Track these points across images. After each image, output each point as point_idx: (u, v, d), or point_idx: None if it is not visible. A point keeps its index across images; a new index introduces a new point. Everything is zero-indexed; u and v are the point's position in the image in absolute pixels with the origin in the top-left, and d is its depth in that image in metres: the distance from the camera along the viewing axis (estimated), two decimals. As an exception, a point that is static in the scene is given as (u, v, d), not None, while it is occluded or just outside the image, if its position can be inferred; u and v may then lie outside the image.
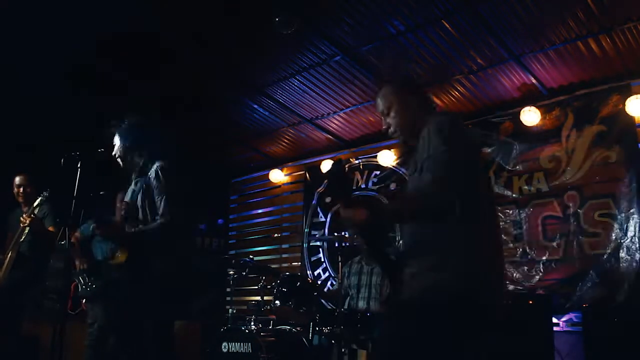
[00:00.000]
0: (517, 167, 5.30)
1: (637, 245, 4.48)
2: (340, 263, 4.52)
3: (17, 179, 4.72)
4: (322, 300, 4.85)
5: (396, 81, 2.27)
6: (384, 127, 2.23)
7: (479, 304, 1.78)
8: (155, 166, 3.21)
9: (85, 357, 4.04)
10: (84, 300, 4.37)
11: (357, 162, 6.69)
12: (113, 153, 3.39)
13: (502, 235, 5.12)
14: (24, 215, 4.36)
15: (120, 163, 3.40)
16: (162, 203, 3.10)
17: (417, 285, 1.85)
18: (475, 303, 1.77)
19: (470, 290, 1.77)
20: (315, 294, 4.43)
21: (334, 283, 6.30)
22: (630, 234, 4.54)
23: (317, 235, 6.86)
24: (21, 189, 4.68)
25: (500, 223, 5.27)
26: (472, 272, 1.79)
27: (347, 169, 2.10)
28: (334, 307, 4.82)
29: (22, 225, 4.35)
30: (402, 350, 1.81)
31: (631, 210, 4.57)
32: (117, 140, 3.38)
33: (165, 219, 3.07)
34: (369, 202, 2.09)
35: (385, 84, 2.26)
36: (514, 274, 5.07)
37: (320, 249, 6.80)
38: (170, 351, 3.13)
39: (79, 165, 3.42)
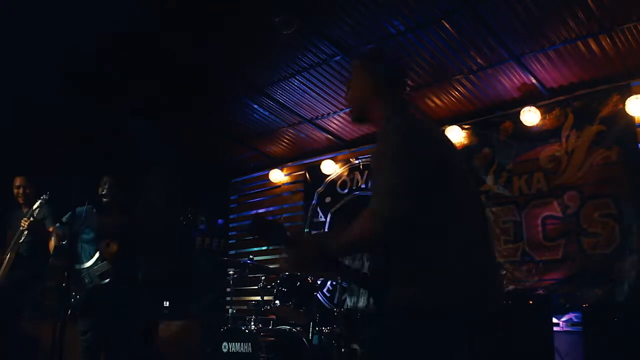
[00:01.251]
0: (517, 167, 5.30)
1: (637, 246, 4.48)
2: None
3: (17, 180, 4.73)
4: (320, 294, 4.81)
5: (362, 55, 2.22)
6: None
7: (458, 314, 1.70)
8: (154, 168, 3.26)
9: None
10: (69, 312, 4.33)
11: (357, 162, 6.70)
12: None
13: (492, 233, 5.12)
14: (24, 219, 4.36)
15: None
16: (160, 205, 3.14)
17: (390, 302, 1.79)
18: (454, 314, 1.69)
19: (445, 304, 1.69)
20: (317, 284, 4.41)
21: (334, 282, 6.30)
22: (630, 234, 4.54)
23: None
24: (21, 190, 4.70)
25: (500, 223, 5.28)
26: (444, 284, 1.70)
27: (263, 218, 2.06)
28: (333, 306, 4.82)
29: (21, 228, 4.36)
30: None
31: (631, 210, 4.57)
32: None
33: (161, 219, 3.10)
34: (306, 240, 2.04)
35: (354, 58, 2.21)
36: (514, 274, 5.07)
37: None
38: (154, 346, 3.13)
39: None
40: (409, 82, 5.23)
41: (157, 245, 3.12)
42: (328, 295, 6.45)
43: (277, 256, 7.33)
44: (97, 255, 4.00)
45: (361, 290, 4.69)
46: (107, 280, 3.84)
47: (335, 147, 6.91)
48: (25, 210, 4.59)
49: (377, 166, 1.84)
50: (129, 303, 3.18)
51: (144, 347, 3.07)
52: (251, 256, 5.43)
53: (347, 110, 5.98)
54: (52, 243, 4.44)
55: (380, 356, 1.81)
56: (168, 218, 3.29)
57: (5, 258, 4.44)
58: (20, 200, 4.70)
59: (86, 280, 3.95)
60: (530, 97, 5.29)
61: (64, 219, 4.33)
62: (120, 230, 3.23)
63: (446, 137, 2.16)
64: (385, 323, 1.83)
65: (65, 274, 3.26)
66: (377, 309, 1.96)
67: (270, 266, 6.76)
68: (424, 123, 2.04)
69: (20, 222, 4.42)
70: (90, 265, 4.03)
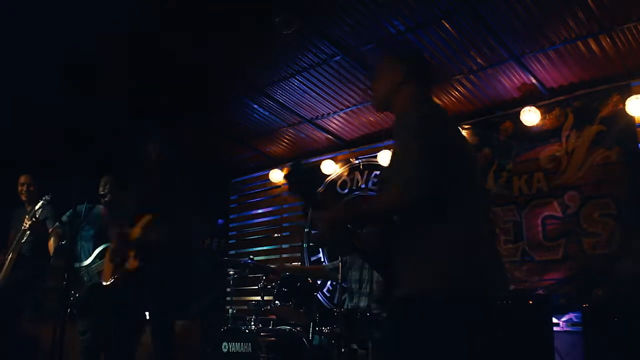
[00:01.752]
0: (517, 167, 5.30)
1: (637, 246, 4.48)
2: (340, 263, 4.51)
3: (22, 178, 4.75)
4: (320, 294, 4.81)
5: (391, 49, 2.29)
6: None
7: (468, 301, 1.73)
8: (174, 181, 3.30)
9: None
10: (68, 311, 4.33)
11: (357, 162, 6.70)
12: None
13: (496, 234, 5.13)
14: (26, 218, 4.37)
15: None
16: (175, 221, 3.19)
17: (403, 285, 1.82)
18: (464, 300, 1.72)
19: (456, 289, 1.73)
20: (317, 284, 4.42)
21: (334, 282, 6.30)
22: (630, 234, 4.54)
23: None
24: (25, 187, 4.72)
25: (500, 223, 5.28)
26: (455, 270, 1.74)
27: (307, 168, 2.07)
28: (333, 306, 4.82)
29: (23, 228, 4.37)
30: (397, 352, 1.79)
31: (631, 210, 4.57)
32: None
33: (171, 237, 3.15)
34: (336, 201, 2.07)
35: (383, 52, 2.34)
36: (514, 274, 5.07)
37: (320, 249, 6.80)
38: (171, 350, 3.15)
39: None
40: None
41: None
42: (328, 295, 6.45)
43: (277, 256, 7.34)
44: (95, 253, 3.99)
45: (362, 289, 4.69)
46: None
47: (335, 147, 6.91)
48: (28, 209, 4.60)
49: (400, 146, 1.90)
50: (130, 303, 3.19)
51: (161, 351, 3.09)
52: (251, 256, 5.45)
53: (348, 110, 5.99)
54: (52, 243, 4.44)
55: (392, 343, 1.84)
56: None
57: (7, 258, 4.44)
58: (24, 198, 4.72)
59: (85, 279, 3.95)
60: (530, 97, 5.29)
61: (63, 218, 4.34)
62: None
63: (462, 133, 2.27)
64: (397, 308, 1.85)
65: (65, 273, 3.26)
66: (386, 292, 1.97)
67: (272, 266, 6.79)
68: (444, 112, 2.14)
69: (22, 222, 4.42)
70: (89, 264, 4.02)
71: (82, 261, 4.06)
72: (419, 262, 1.78)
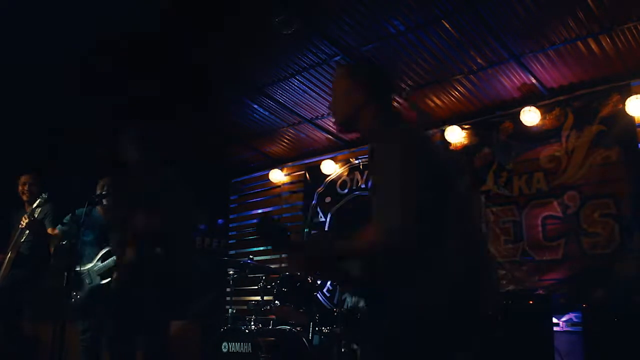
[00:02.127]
0: (517, 167, 5.30)
1: (638, 246, 4.48)
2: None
3: (23, 178, 4.74)
4: (320, 294, 4.81)
5: (348, 64, 2.25)
6: None
7: (454, 315, 1.69)
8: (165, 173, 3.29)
9: None
10: (69, 312, 4.33)
11: (357, 162, 6.70)
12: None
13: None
14: (24, 217, 4.36)
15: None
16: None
17: (387, 305, 1.80)
18: (450, 315, 1.69)
19: (440, 304, 1.69)
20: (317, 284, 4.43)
21: (334, 283, 6.30)
22: (630, 234, 4.54)
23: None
24: (26, 187, 4.69)
25: (500, 223, 5.28)
26: (439, 286, 1.70)
27: (272, 219, 2.09)
28: (333, 306, 4.82)
29: (20, 227, 4.36)
30: None
31: (631, 210, 4.57)
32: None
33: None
34: (310, 243, 2.07)
35: (339, 67, 2.26)
36: (514, 274, 5.07)
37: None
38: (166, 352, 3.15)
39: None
40: (409, 82, 5.24)
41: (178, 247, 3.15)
42: (328, 295, 6.45)
43: (277, 256, 7.34)
44: (98, 256, 4.00)
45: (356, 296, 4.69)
46: (107, 280, 3.84)
47: (335, 147, 6.91)
48: (28, 209, 4.60)
49: (381, 174, 1.85)
50: (130, 301, 3.19)
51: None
52: (251, 256, 5.44)
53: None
54: (52, 243, 4.45)
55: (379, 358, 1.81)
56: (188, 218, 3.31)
57: (6, 257, 4.44)
58: (25, 198, 4.71)
59: (87, 281, 3.96)
60: (530, 97, 5.29)
61: (65, 220, 4.34)
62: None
63: (437, 145, 2.19)
64: (382, 325, 1.83)
65: (66, 274, 3.26)
66: (371, 312, 1.96)
67: (271, 266, 6.79)
68: (419, 132, 2.03)
69: (21, 222, 4.42)
70: (92, 266, 4.03)
71: (84, 264, 4.06)
72: (408, 296, 1.74)
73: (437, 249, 1.74)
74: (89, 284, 3.95)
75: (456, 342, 1.72)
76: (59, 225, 4.44)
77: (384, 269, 1.83)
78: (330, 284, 6.46)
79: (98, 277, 3.87)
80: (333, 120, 2.18)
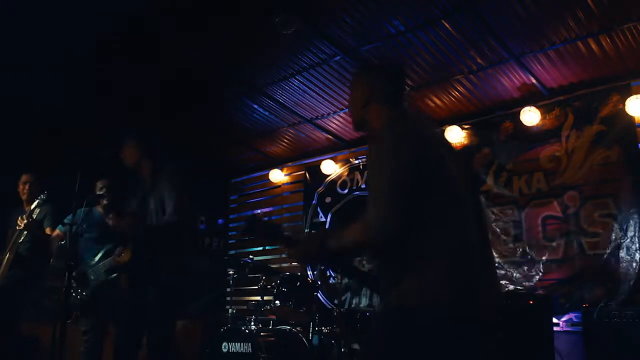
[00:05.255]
0: (517, 167, 5.30)
1: (637, 245, 4.48)
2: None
3: (24, 177, 4.73)
4: (320, 294, 4.85)
5: (359, 66, 2.26)
6: None
7: (455, 316, 1.69)
8: (165, 170, 3.31)
9: None
10: (75, 312, 4.34)
11: (357, 162, 6.70)
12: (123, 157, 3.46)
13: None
14: (21, 217, 4.36)
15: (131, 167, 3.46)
16: (172, 205, 3.18)
17: (383, 302, 1.82)
18: (446, 314, 1.68)
19: (435, 303, 1.69)
20: (317, 285, 4.45)
21: (334, 282, 6.30)
22: (630, 234, 4.54)
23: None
24: (26, 187, 4.69)
25: (500, 223, 5.28)
26: (434, 284, 1.70)
27: (261, 218, 2.15)
28: (333, 306, 4.82)
29: (18, 227, 4.36)
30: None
31: (631, 210, 4.57)
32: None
33: (174, 218, 3.14)
34: (307, 238, 2.11)
35: (354, 70, 2.32)
36: (514, 274, 5.07)
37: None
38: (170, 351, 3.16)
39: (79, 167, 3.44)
40: (409, 82, 5.24)
41: (167, 246, 3.16)
42: (328, 295, 6.45)
43: (277, 256, 7.34)
44: (100, 254, 4.00)
45: (362, 289, 4.69)
46: (114, 275, 3.84)
47: (335, 147, 6.91)
48: (26, 209, 4.59)
49: (371, 172, 1.88)
50: (130, 301, 3.21)
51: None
52: (251, 256, 5.44)
53: (347, 110, 5.97)
54: (52, 243, 4.45)
55: (375, 356, 1.80)
56: (184, 218, 3.32)
57: (4, 258, 4.44)
58: (24, 197, 4.70)
59: (92, 277, 3.97)
60: (530, 97, 5.29)
61: (66, 220, 4.33)
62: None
63: (443, 140, 2.17)
64: (379, 322, 1.84)
65: (67, 273, 3.26)
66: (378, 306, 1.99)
67: (272, 265, 6.79)
68: (419, 127, 2.02)
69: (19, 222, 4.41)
70: (95, 263, 4.04)
71: (87, 262, 4.07)
72: (405, 286, 1.74)
73: (431, 240, 1.74)
74: (94, 280, 3.96)
75: (451, 341, 1.70)
76: (60, 226, 4.43)
77: (376, 261, 1.87)
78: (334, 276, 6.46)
79: (103, 274, 3.87)
80: (351, 118, 2.25)
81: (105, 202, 4.22)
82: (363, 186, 6.57)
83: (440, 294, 1.69)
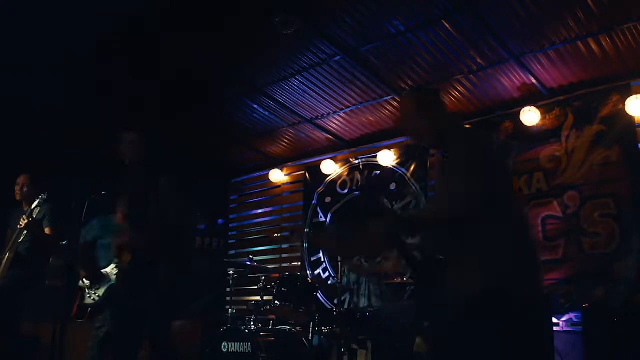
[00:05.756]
0: (517, 167, 5.30)
1: (637, 245, 4.48)
2: (340, 262, 4.52)
3: (19, 178, 4.74)
4: (320, 294, 4.86)
5: (415, 94, 2.72)
6: None
7: (518, 299, 1.94)
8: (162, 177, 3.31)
9: (90, 358, 4.04)
10: (89, 310, 4.36)
11: (357, 162, 6.70)
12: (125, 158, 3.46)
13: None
14: (22, 218, 4.36)
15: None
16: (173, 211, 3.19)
17: (455, 285, 1.98)
18: (513, 299, 1.92)
19: (505, 286, 1.90)
20: (317, 286, 4.46)
21: (334, 282, 6.30)
22: (630, 233, 4.54)
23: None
24: (18, 188, 4.70)
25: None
26: (503, 270, 1.92)
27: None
28: (333, 306, 4.82)
29: (19, 227, 4.36)
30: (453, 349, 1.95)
31: (631, 210, 4.57)
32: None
33: (174, 222, 3.15)
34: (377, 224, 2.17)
35: (407, 95, 2.63)
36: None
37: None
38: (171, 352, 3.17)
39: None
40: (409, 82, 5.25)
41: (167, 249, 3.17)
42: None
43: (277, 256, 7.34)
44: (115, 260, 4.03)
45: (362, 289, 4.69)
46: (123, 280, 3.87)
47: (335, 147, 6.91)
48: (25, 209, 4.59)
49: (451, 170, 2.16)
50: (130, 300, 3.21)
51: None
52: (251, 256, 5.45)
53: (348, 110, 5.98)
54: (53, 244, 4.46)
55: (454, 344, 1.99)
56: (184, 222, 3.33)
57: (4, 257, 4.44)
58: (17, 198, 4.71)
59: (107, 279, 4.03)
60: (530, 97, 5.29)
61: (83, 232, 4.35)
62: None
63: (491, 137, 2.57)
64: (466, 306, 1.98)
65: (65, 273, 3.28)
66: (428, 297, 2.22)
67: (271, 266, 6.80)
68: (478, 131, 2.50)
69: (19, 221, 4.42)
70: (110, 269, 4.08)
71: (103, 267, 4.12)
72: (482, 264, 1.95)
73: (499, 225, 1.98)
74: (108, 282, 4.02)
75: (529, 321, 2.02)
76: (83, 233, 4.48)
77: (449, 238, 2.08)
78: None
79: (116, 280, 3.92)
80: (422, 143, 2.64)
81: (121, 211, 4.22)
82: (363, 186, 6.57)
83: (527, 276, 1.98)
